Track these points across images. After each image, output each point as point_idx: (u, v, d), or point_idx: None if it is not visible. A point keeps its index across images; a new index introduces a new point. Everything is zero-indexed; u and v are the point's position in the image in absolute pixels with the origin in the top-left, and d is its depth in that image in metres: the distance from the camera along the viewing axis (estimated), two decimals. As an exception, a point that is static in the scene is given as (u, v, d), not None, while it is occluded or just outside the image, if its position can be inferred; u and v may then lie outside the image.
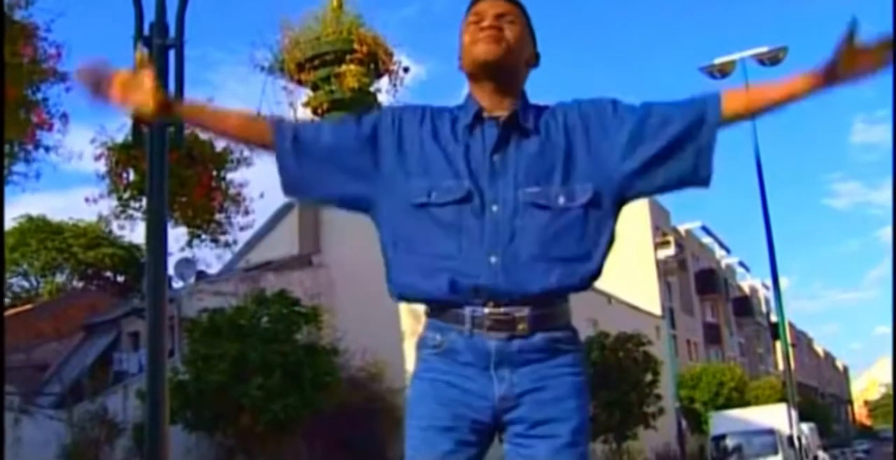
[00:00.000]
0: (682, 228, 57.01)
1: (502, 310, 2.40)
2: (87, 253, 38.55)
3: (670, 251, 51.06)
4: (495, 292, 2.39)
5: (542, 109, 2.60)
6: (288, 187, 2.62)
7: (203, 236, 8.53)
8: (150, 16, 7.11)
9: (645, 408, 28.22)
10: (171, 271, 28.45)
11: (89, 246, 38.55)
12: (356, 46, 6.44)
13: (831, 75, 2.37)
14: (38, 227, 38.51)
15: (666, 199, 61.39)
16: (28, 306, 34.91)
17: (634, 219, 50.31)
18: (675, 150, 2.50)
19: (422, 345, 2.54)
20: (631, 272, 47.83)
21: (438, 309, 2.48)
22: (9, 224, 38.56)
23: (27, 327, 29.74)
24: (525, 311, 2.40)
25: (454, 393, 2.45)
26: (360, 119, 2.62)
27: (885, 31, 2.27)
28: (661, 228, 52.33)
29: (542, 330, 2.44)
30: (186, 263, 24.71)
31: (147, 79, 2.50)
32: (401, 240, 2.50)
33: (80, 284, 39.53)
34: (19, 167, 6.93)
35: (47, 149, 6.92)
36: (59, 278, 40.40)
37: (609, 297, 40.33)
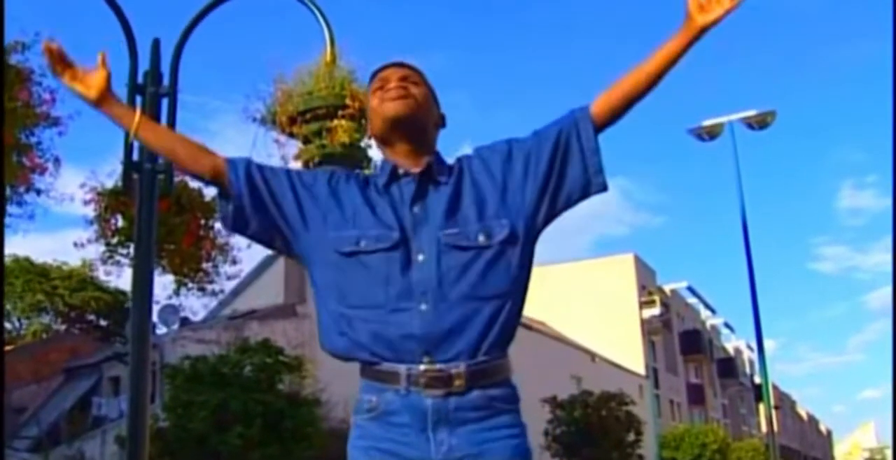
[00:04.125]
0: (667, 288, 57.09)
1: (438, 366, 2.40)
2: (72, 296, 38.35)
3: (655, 310, 51.12)
4: (430, 339, 2.40)
5: (453, 164, 2.69)
6: (233, 217, 2.68)
7: (190, 284, 8.52)
8: (144, 64, 7.17)
9: (626, 468, 28.10)
10: (155, 317, 28.41)
11: (75, 289, 38.35)
12: (348, 102, 6.49)
13: (693, 27, 2.51)
14: (23, 268, 38.31)
15: (652, 259, 61.70)
16: (9, 347, 34.64)
17: (620, 277, 50.47)
18: (564, 159, 2.60)
19: (356, 409, 2.53)
20: (616, 330, 47.91)
21: (373, 369, 2.48)
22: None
23: (6, 369, 29.49)
24: (461, 367, 2.40)
25: None
26: (295, 172, 2.76)
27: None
28: (647, 287, 52.42)
29: (478, 386, 2.42)
30: (170, 310, 24.60)
31: (99, 76, 2.69)
32: (331, 291, 2.54)
33: (63, 327, 39.27)
34: (12, 209, 6.98)
35: (39, 192, 6.98)
36: (44, 320, 40.12)
37: (593, 355, 40.32)
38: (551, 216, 2.63)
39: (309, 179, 2.70)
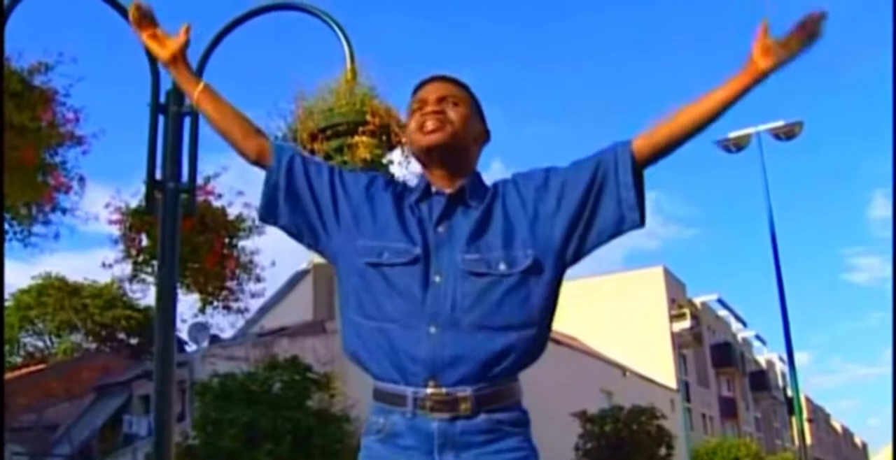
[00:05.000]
0: (697, 301, 56.78)
1: (444, 390, 2.36)
2: (103, 314, 38.53)
3: (686, 324, 50.86)
4: (436, 363, 2.37)
5: (485, 183, 2.66)
6: (268, 206, 2.69)
7: (215, 303, 8.53)
8: (166, 84, 7.20)
9: (658, 483, 27.93)
10: (185, 335, 28.56)
11: (105, 307, 38.52)
12: (369, 118, 6.46)
13: (755, 70, 2.42)
14: (55, 286, 38.53)
15: (682, 272, 61.40)
16: (41, 366, 34.85)
17: (650, 291, 50.27)
18: (599, 192, 2.53)
19: (366, 431, 2.52)
20: (646, 344, 47.70)
21: (382, 390, 2.47)
22: (28, 282, 38.78)
23: (39, 387, 29.66)
24: (468, 391, 2.37)
25: None
26: (338, 171, 2.73)
27: (794, 21, 2.38)
28: (677, 301, 52.18)
29: (486, 411, 2.39)
30: (200, 327, 24.66)
31: (177, 41, 2.76)
32: (351, 298, 2.52)
33: (94, 345, 39.45)
34: (37, 228, 7.01)
35: (64, 211, 7.00)
36: (75, 338, 40.32)
37: (624, 370, 40.13)
38: (582, 251, 2.57)
39: (350, 181, 2.69)
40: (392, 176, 2.82)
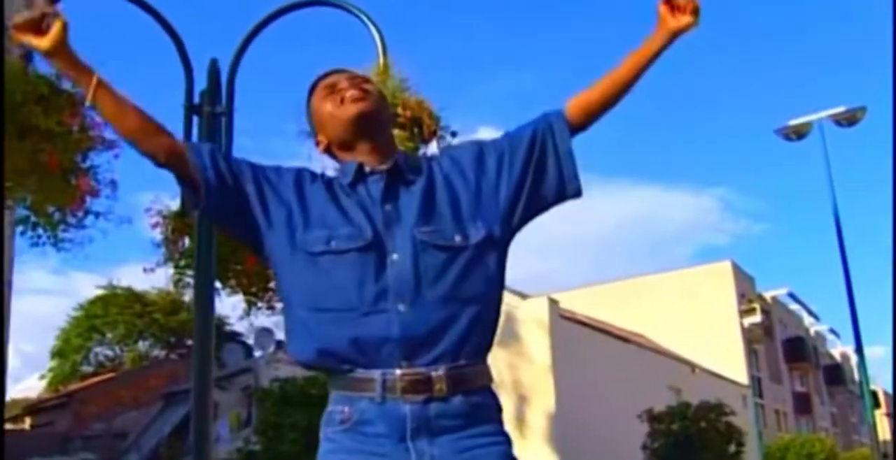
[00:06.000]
0: (768, 295, 55.96)
1: (417, 370, 2.25)
2: (168, 319, 38.99)
3: (756, 318, 50.16)
4: (410, 341, 2.25)
5: (418, 159, 2.60)
6: (206, 201, 2.44)
7: (259, 304, 8.47)
8: (201, 84, 7.15)
9: (729, 481, 27.53)
10: (251, 341, 28.75)
11: (170, 312, 38.98)
12: (400, 111, 6.38)
13: (668, 29, 2.48)
14: (119, 295, 39.06)
15: (753, 267, 60.45)
16: (111, 374, 35.41)
17: (719, 286, 49.67)
18: (540, 161, 2.52)
19: (327, 421, 2.38)
20: (715, 340, 47.10)
21: (343, 377, 2.32)
22: (94, 292, 39.42)
23: (108, 396, 30.16)
24: (441, 370, 2.26)
25: None
26: (258, 165, 2.57)
27: None
28: (747, 295, 51.48)
29: (460, 392, 2.28)
30: (266, 333, 24.79)
31: (54, 24, 2.33)
32: (296, 295, 2.38)
33: (163, 353, 39.96)
34: (71, 233, 6.96)
35: (97, 215, 6.95)
36: (143, 346, 40.88)
37: (693, 366, 39.67)
38: (525, 219, 2.54)
39: (273, 175, 2.52)
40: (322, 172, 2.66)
